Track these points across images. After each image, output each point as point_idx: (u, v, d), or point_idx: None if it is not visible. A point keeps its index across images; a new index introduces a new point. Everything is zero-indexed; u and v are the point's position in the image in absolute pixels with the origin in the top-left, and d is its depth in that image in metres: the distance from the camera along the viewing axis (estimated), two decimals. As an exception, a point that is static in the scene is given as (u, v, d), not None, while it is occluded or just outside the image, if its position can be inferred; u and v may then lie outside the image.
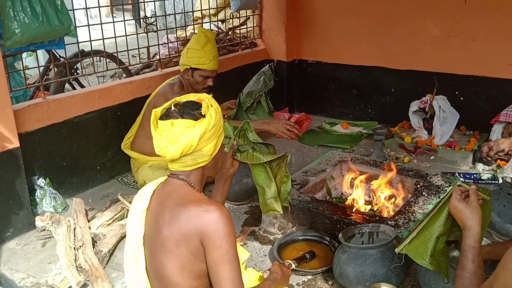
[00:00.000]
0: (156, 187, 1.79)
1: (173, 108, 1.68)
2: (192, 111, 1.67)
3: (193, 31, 4.27)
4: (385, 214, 2.65)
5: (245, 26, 4.77)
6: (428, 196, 2.72)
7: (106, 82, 3.78)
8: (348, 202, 2.80)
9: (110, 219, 2.87)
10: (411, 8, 4.08)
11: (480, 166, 3.55)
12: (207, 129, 1.64)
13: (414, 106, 3.98)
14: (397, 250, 1.87)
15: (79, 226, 2.68)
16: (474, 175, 3.33)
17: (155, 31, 4.54)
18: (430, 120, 3.91)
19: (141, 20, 8.10)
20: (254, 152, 2.26)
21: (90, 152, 3.38)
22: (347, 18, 4.44)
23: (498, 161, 3.54)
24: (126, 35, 3.73)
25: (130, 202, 2.70)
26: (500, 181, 3.34)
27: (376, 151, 3.66)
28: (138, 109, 3.53)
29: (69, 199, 3.17)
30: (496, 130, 3.67)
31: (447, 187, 2.84)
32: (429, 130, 3.93)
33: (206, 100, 1.73)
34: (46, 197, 3.00)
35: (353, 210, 2.63)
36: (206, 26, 5.07)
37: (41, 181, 3.02)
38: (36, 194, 3.00)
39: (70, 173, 3.27)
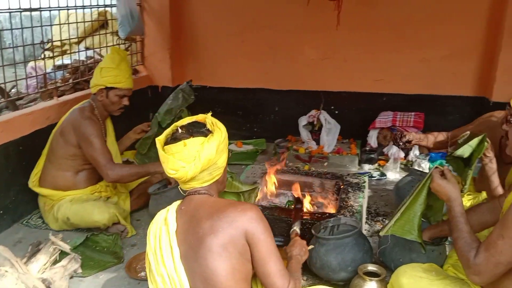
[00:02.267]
0: (176, 209, 1.77)
1: (180, 130, 1.73)
2: (200, 129, 1.75)
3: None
4: (331, 211, 2.95)
5: (129, 53, 4.68)
6: (354, 192, 3.12)
7: (4, 114, 3.32)
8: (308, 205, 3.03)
9: (47, 262, 2.56)
10: (290, 34, 4.59)
11: (366, 166, 4.17)
12: (220, 141, 1.74)
13: (303, 120, 4.45)
14: (382, 233, 2.17)
15: (22, 274, 2.33)
16: (367, 173, 3.89)
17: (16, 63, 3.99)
18: (318, 132, 4.43)
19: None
20: (233, 181, 2.41)
21: (-9, 194, 2.94)
22: (231, 43, 4.74)
23: (379, 161, 4.22)
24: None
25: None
26: (387, 176, 3.99)
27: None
28: (40, 142, 3.21)
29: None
30: (373, 136, 4.35)
31: (363, 183, 3.28)
32: (317, 141, 4.44)
33: (208, 118, 1.81)
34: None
35: (305, 211, 2.86)
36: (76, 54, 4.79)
37: None
38: None
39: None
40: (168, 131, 1.78)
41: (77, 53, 4.94)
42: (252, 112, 4.88)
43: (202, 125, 1.77)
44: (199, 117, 1.83)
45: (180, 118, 3.29)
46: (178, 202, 1.81)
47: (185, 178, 1.70)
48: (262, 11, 4.61)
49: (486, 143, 2.18)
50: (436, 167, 2.06)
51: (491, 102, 4.19)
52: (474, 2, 4.21)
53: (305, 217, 2.74)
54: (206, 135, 1.72)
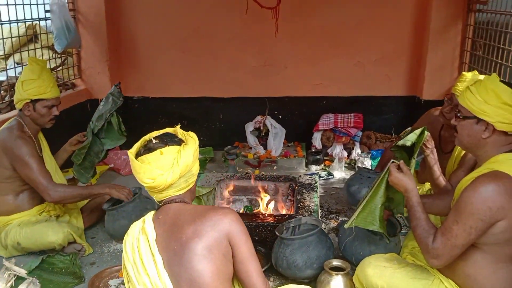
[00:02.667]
0: (153, 219, 1.78)
1: (154, 141, 1.76)
2: (173, 139, 1.79)
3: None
4: (290, 212, 3.03)
5: (65, 66, 4.52)
6: (308, 192, 3.24)
7: None
8: (258, 209, 3.09)
9: (3, 288, 2.43)
10: (231, 43, 4.66)
11: (313, 167, 4.32)
12: (195, 148, 1.80)
13: (250, 126, 4.53)
14: (346, 226, 2.28)
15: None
16: (315, 174, 4.04)
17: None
18: (265, 137, 4.52)
19: None
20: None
21: None
22: (172, 54, 4.73)
23: (325, 162, 4.39)
24: None
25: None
26: (334, 176, 4.16)
27: (230, 170, 4.05)
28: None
29: None
30: (317, 137, 4.52)
31: (315, 183, 3.41)
32: (264, 146, 4.54)
33: (176, 129, 1.85)
34: None
35: (266, 214, 2.93)
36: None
37: None
38: None
39: None
40: (139, 143, 1.80)
41: (10, 69, 4.70)
42: (198, 121, 4.89)
43: (174, 135, 1.81)
44: (168, 130, 1.86)
45: (110, 122, 3.22)
46: (152, 212, 1.82)
47: (163, 186, 1.71)
48: (202, 21, 4.65)
49: (426, 133, 2.36)
50: (393, 162, 2.20)
51: (422, 100, 4.51)
52: (400, 8, 4.52)
53: (266, 220, 2.81)
54: (180, 144, 1.76)
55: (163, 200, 1.79)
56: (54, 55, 4.45)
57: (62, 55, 4.52)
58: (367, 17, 4.56)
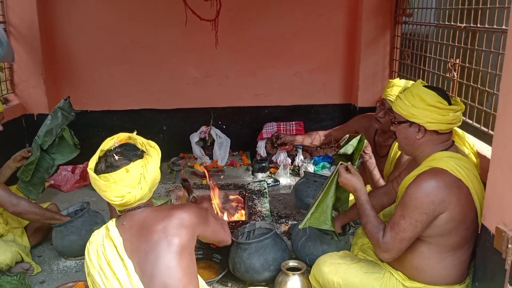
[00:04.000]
0: (116, 225, 1.77)
1: (116, 157, 1.74)
2: (134, 151, 1.79)
3: None
4: (243, 218, 3.09)
5: (-3, 80, 4.31)
6: (259, 198, 3.33)
7: None
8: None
9: None
10: (172, 54, 4.67)
11: (259, 175, 4.41)
12: (158, 159, 1.81)
13: (195, 137, 4.55)
14: (300, 226, 2.38)
15: None
16: (261, 181, 4.14)
17: None
18: (210, 147, 4.56)
19: None
20: None
21: None
22: (112, 66, 4.65)
23: (270, 169, 4.51)
24: None
25: None
26: (280, 182, 4.28)
27: (177, 180, 4.05)
28: None
29: None
30: (261, 146, 4.63)
31: (264, 190, 3.50)
32: (210, 156, 4.57)
33: (133, 137, 1.86)
34: None
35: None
36: None
37: None
38: None
39: None
40: (95, 157, 1.78)
41: None
42: (140, 133, 4.67)
43: (134, 146, 1.81)
44: (121, 137, 1.86)
45: (62, 137, 3.15)
46: (114, 219, 1.81)
47: (132, 201, 1.71)
48: (141, 31, 4.62)
49: (364, 141, 2.53)
50: (341, 164, 2.34)
51: (357, 108, 4.77)
52: (334, 20, 4.76)
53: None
54: (142, 156, 1.76)
55: (126, 208, 1.79)
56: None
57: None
58: (303, 28, 4.75)
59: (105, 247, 1.73)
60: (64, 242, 2.87)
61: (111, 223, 1.80)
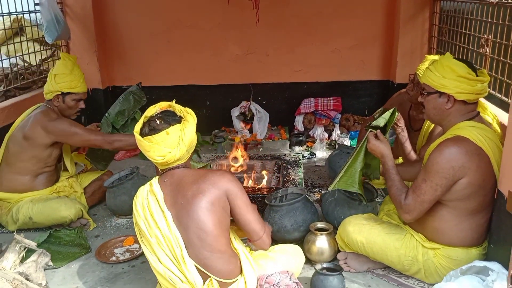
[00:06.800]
0: (158, 182, 2.01)
1: (158, 122, 1.98)
2: (174, 117, 2.02)
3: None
4: (277, 185, 3.30)
5: (56, 58, 4.68)
6: (293, 168, 3.52)
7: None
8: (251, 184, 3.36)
9: (17, 259, 2.63)
10: (214, 32, 4.88)
11: (296, 148, 4.59)
12: (195, 123, 2.03)
13: (236, 112, 4.78)
14: (330, 188, 2.56)
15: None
16: (298, 153, 4.31)
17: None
18: (250, 121, 4.77)
19: None
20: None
21: None
22: (157, 44, 4.93)
23: (307, 143, 4.67)
24: None
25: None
26: (316, 155, 4.44)
27: (219, 151, 4.30)
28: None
29: None
30: (299, 121, 4.80)
31: (299, 160, 3.69)
32: (250, 130, 4.79)
33: (172, 105, 2.08)
34: None
35: (256, 187, 3.20)
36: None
37: None
38: None
39: None
40: (140, 122, 2.01)
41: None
42: None
43: (173, 113, 2.03)
44: (162, 105, 2.08)
45: (134, 119, 3.45)
46: (157, 177, 2.05)
47: (173, 160, 1.96)
48: (185, 11, 4.85)
49: (396, 113, 2.64)
50: (371, 131, 2.49)
51: (395, 84, 4.82)
52: (372, -3, 4.81)
53: (257, 192, 3.08)
54: (181, 121, 1.99)
55: (167, 167, 2.03)
56: (40, 47, 4.60)
57: (51, 47, 4.67)
58: (341, 5, 4.82)
59: (149, 201, 1.98)
60: (116, 201, 3.19)
61: (154, 180, 2.04)
